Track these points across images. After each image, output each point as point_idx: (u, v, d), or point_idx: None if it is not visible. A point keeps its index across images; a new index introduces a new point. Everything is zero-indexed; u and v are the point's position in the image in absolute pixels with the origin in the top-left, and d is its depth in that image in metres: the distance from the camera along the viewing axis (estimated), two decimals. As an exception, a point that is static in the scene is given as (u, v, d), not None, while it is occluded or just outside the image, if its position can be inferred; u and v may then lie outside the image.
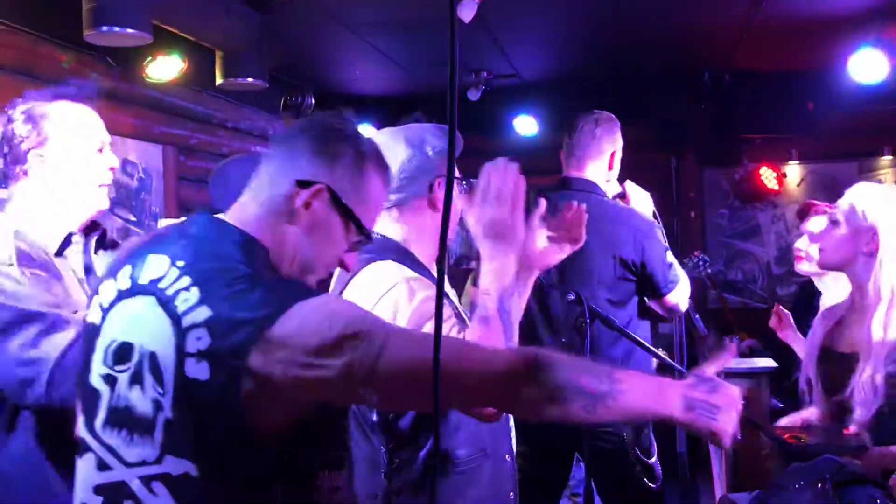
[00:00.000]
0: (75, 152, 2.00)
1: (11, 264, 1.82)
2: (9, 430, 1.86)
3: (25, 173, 1.97)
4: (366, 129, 5.56)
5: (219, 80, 3.91)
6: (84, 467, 1.33)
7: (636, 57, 5.06)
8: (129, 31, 2.91)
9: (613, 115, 3.09)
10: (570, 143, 3.05)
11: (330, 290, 1.93)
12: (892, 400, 2.16)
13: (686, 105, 5.69)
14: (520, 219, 1.69)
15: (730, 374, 3.71)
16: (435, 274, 1.90)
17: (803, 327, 3.05)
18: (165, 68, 3.84)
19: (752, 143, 5.98)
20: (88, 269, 2.04)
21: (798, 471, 1.83)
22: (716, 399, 1.36)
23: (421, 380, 1.09)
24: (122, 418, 1.28)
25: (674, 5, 4.11)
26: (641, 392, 1.33)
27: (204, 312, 1.21)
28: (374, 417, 1.81)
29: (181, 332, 1.22)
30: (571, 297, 2.24)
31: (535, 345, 2.85)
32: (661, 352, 2.59)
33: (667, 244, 2.96)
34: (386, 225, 1.89)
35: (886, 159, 6.00)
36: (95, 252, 2.09)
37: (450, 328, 1.69)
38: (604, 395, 1.26)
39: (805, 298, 3.73)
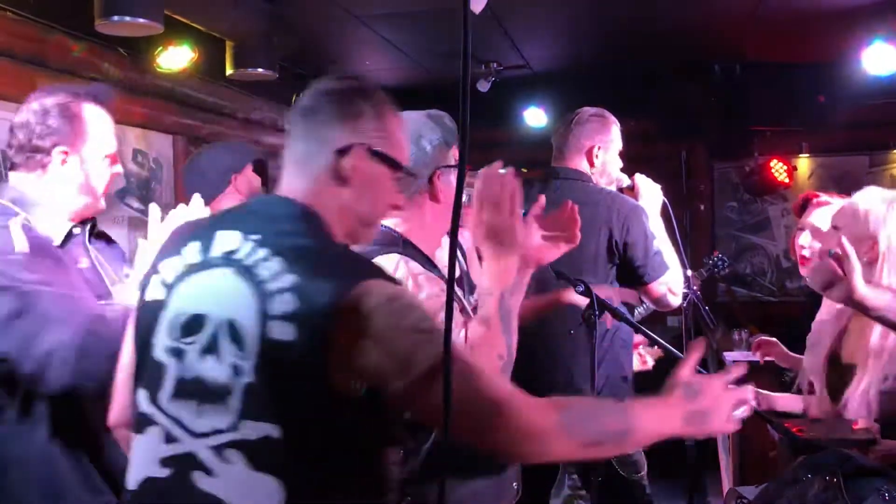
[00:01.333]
0: (96, 156, 2.02)
1: (16, 252, 1.82)
2: (24, 418, 1.87)
3: (44, 166, 1.97)
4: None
5: (229, 71, 3.92)
6: (147, 441, 1.35)
7: (647, 48, 5.04)
8: (141, 20, 2.92)
9: (605, 112, 3.09)
10: (555, 135, 3.11)
11: None
12: (885, 416, 2.13)
13: (696, 97, 5.68)
14: (518, 222, 1.73)
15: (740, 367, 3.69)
16: (438, 266, 1.92)
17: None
18: (176, 58, 3.85)
19: (763, 135, 5.95)
20: (86, 260, 2.06)
21: (806, 463, 1.83)
22: (703, 404, 1.46)
23: (469, 413, 1.24)
24: (192, 390, 1.31)
25: (685, -3, 4.10)
26: (651, 420, 1.46)
27: (289, 279, 1.27)
28: None
29: (265, 297, 1.27)
30: (580, 288, 2.24)
31: (543, 337, 2.87)
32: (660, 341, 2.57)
33: (657, 234, 2.94)
34: (388, 218, 1.91)
35: (898, 152, 5.98)
36: (89, 242, 2.10)
37: (459, 331, 1.71)
38: (626, 432, 1.41)
39: (814, 299, 3.70)
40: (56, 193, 1.98)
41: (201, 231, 1.42)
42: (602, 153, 3.03)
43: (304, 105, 1.49)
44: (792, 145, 6.01)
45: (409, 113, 1.97)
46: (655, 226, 2.96)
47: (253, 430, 1.26)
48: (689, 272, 3.10)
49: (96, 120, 2.02)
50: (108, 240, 2.25)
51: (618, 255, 2.84)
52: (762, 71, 5.39)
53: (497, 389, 1.33)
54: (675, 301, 2.92)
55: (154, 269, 1.43)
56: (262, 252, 1.32)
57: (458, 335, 1.69)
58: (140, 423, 1.37)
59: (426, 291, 1.75)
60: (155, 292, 1.40)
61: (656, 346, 3.28)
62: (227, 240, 1.37)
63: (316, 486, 1.29)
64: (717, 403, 1.47)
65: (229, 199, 2.73)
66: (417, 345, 1.26)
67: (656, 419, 1.46)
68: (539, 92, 5.70)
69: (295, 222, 1.39)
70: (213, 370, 1.30)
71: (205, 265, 1.36)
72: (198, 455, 1.29)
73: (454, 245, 0.95)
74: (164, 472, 1.32)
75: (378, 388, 1.27)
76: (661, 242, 2.90)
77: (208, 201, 2.72)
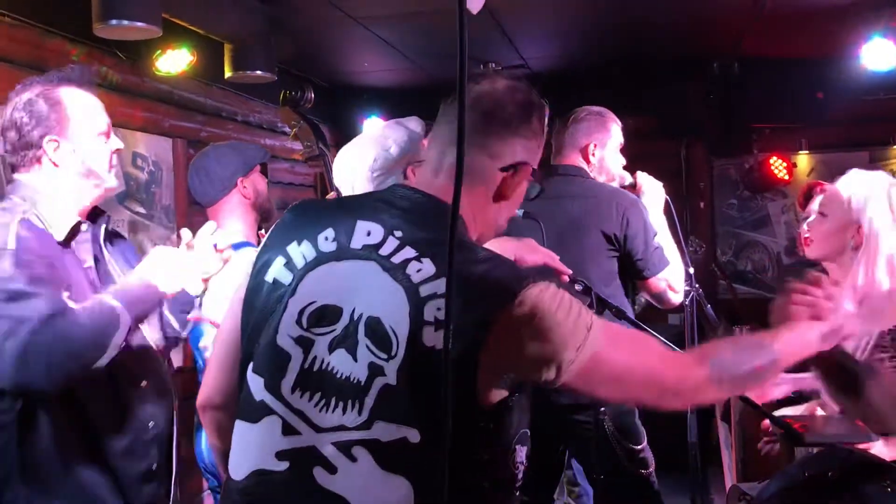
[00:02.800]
0: (87, 136, 1.99)
1: (5, 249, 1.78)
2: (28, 427, 1.86)
3: (38, 160, 1.96)
4: (373, 122, 5.58)
5: (228, 74, 3.92)
6: (262, 431, 1.29)
7: (645, 46, 5.04)
8: (139, 24, 2.92)
9: (601, 110, 3.10)
10: (553, 134, 3.12)
11: None
12: None
13: (695, 95, 5.68)
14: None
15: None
16: None
17: None
18: (175, 61, 3.85)
19: (762, 132, 5.95)
20: (97, 259, 2.05)
21: (809, 460, 1.83)
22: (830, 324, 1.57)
23: (627, 383, 1.33)
24: (317, 382, 1.26)
25: (683, -6, 4.10)
26: (794, 345, 1.53)
27: (443, 284, 1.23)
28: None
29: (419, 301, 1.24)
30: (579, 287, 2.24)
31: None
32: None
33: (658, 230, 2.94)
34: None
35: (898, 148, 5.97)
36: (106, 242, 2.09)
37: None
38: (772, 364, 1.47)
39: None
40: (60, 184, 1.96)
41: (336, 218, 1.36)
42: (598, 150, 3.03)
43: (474, 108, 1.40)
44: (791, 142, 6.01)
45: (377, 124, 2.10)
46: (658, 222, 2.96)
47: (387, 431, 1.22)
48: (691, 270, 3.10)
49: (77, 101, 2.00)
50: (118, 236, 2.25)
51: (617, 248, 2.84)
52: (761, 68, 5.39)
53: (651, 354, 1.39)
54: (676, 298, 2.91)
55: (277, 251, 1.36)
56: (409, 251, 1.28)
57: None
58: (252, 410, 1.30)
59: None
60: (279, 274, 1.33)
61: None
62: (367, 231, 1.31)
63: (448, 489, 1.26)
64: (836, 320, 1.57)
65: (234, 203, 2.71)
66: (575, 334, 1.26)
67: (798, 344, 1.54)
68: (538, 91, 5.69)
69: (439, 223, 1.32)
70: (346, 365, 1.25)
71: (342, 255, 1.31)
72: (321, 450, 1.24)
73: (452, 240, 0.95)
74: (280, 466, 1.26)
75: (539, 380, 1.28)
76: (663, 238, 2.91)
77: (212, 203, 2.72)
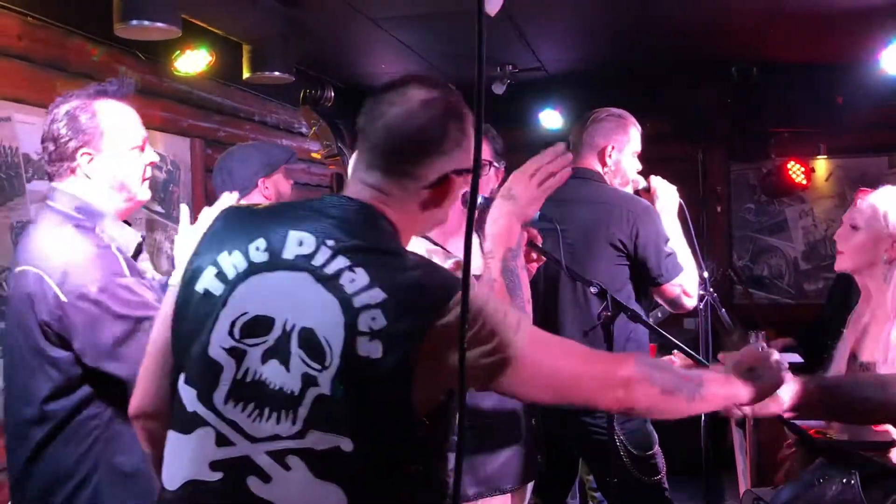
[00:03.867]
0: (121, 149, 2.04)
1: (125, 275, 1.91)
2: (50, 440, 1.93)
3: (73, 171, 2.01)
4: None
5: (246, 74, 3.94)
6: (196, 443, 1.29)
7: (663, 50, 5.03)
8: (159, 24, 2.94)
9: (622, 112, 3.08)
10: (571, 134, 3.13)
11: None
12: None
13: (713, 98, 5.65)
14: (538, 194, 1.87)
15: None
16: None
17: (841, 323, 2.98)
18: (193, 62, 3.88)
19: (780, 137, 5.92)
20: (150, 271, 2.12)
21: (824, 465, 1.82)
22: (765, 385, 1.65)
23: (557, 381, 1.37)
24: (250, 393, 1.27)
25: (701, -2, 4.08)
26: (720, 384, 1.60)
27: (377, 294, 1.25)
28: None
29: (353, 312, 1.24)
30: (595, 289, 2.24)
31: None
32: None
33: (672, 235, 2.93)
34: None
35: (917, 154, 5.92)
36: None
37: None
38: (699, 385, 1.51)
39: (841, 293, 3.65)
40: (98, 195, 2.02)
41: (268, 227, 1.35)
42: (615, 153, 3.02)
43: (393, 134, 1.39)
44: (810, 147, 5.97)
45: None
46: (672, 228, 2.95)
47: (321, 440, 1.23)
48: (706, 274, 3.08)
49: (112, 114, 2.04)
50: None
51: (627, 255, 2.83)
52: (779, 72, 5.35)
53: (576, 352, 1.44)
54: (690, 303, 2.90)
55: (207, 260, 1.36)
56: (342, 260, 1.28)
57: None
58: (185, 421, 1.31)
59: (445, 264, 1.86)
60: (210, 285, 1.33)
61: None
62: (299, 241, 1.31)
63: (381, 495, 1.26)
64: (776, 385, 1.66)
65: (253, 202, 2.73)
66: (506, 336, 1.29)
67: (725, 384, 1.60)
68: (554, 94, 5.69)
69: (371, 230, 1.35)
70: (279, 376, 1.25)
71: (273, 265, 1.31)
72: (255, 459, 1.25)
73: (469, 244, 0.96)
74: (214, 476, 1.27)
75: (484, 382, 1.31)
76: (676, 244, 2.89)
77: None
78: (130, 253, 2.01)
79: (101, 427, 1.93)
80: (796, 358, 3.90)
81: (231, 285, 1.32)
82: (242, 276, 1.31)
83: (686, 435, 3.25)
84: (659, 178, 3.13)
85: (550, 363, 1.36)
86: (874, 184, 2.44)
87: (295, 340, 1.26)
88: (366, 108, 1.43)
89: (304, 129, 5.29)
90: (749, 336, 4.52)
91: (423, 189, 1.41)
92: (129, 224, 2.13)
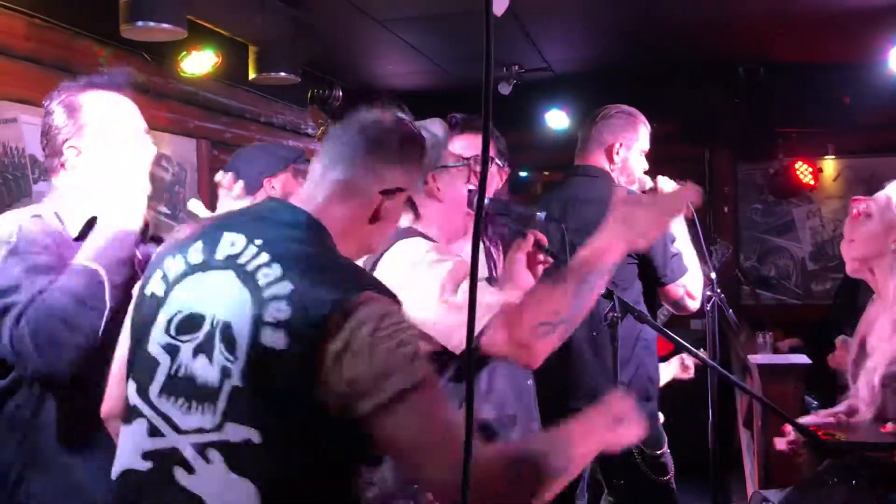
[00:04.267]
0: (109, 141, 1.97)
1: (5, 241, 1.82)
2: (37, 413, 1.86)
3: (63, 165, 1.97)
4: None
5: (252, 75, 3.95)
6: (133, 433, 1.36)
7: (669, 50, 5.02)
8: (165, 25, 2.95)
9: (632, 110, 3.07)
10: (580, 130, 3.08)
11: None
12: (888, 401, 2.11)
13: (720, 98, 5.64)
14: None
15: (765, 371, 3.68)
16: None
17: (848, 324, 2.98)
18: (199, 63, 3.88)
19: (788, 137, 5.90)
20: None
21: (833, 467, 1.81)
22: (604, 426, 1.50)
23: (426, 436, 1.26)
24: (182, 387, 1.32)
25: (708, -2, 4.07)
26: (586, 446, 1.45)
27: (286, 286, 1.29)
28: None
29: (261, 303, 1.28)
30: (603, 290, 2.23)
31: (567, 340, 2.87)
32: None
33: (677, 236, 2.92)
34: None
35: (926, 154, 5.90)
36: (150, 243, 2.09)
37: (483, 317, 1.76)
38: (565, 468, 1.37)
39: (849, 293, 3.65)
40: (82, 188, 1.96)
41: (207, 232, 1.43)
42: (623, 151, 3.01)
43: (365, 132, 1.50)
44: (817, 147, 5.95)
45: None
46: (678, 228, 2.94)
47: (234, 432, 1.27)
48: (713, 275, 3.07)
49: (101, 104, 2.00)
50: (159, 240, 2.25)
51: (634, 254, 2.82)
52: (787, 72, 5.34)
53: (452, 429, 1.26)
54: (693, 304, 2.90)
55: (157, 266, 1.44)
56: (264, 257, 1.33)
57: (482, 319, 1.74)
58: (128, 413, 1.38)
59: (450, 260, 1.85)
60: (155, 287, 1.41)
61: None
62: (230, 242, 1.38)
63: (290, 495, 1.28)
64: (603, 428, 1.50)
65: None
66: (394, 367, 1.25)
67: (588, 445, 1.45)
68: (561, 94, 5.68)
69: (301, 231, 1.40)
70: (204, 370, 1.30)
71: (207, 266, 1.37)
72: (181, 451, 1.30)
73: (476, 246, 0.95)
74: (144, 466, 1.33)
75: (349, 404, 1.25)
76: (681, 244, 2.89)
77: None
78: (75, 233, 1.92)
79: (30, 417, 1.85)
80: (804, 359, 3.88)
81: (170, 286, 1.39)
82: (180, 277, 1.39)
83: (694, 436, 3.24)
84: (665, 177, 3.12)
85: (429, 411, 1.27)
86: (882, 184, 2.42)
87: (218, 335, 1.31)
88: (335, 127, 1.54)
89: (310, 130, 5.29)
90: (756, 336, 4.52)
91: (378, 193, 1.48)
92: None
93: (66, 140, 1.95)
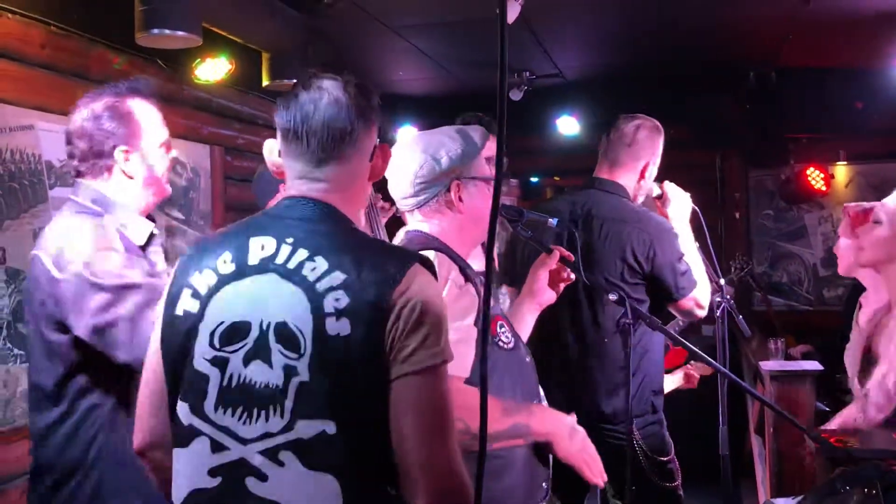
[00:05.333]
0: (153, 149, 2.08)
1: (114, 249, 1.94)
2: (55, 402, 1.95)
3: (109, 169, 2.04)
4: (407, 130, 5.62)
5: (265, 82, 3.97)
6: (193, 453, 1.34)
7: (680, 56, 5.01)
8: (180, 33, 2.97)
9: (658, 123, 3.04)
10: (606, 143, 3.04)
11: None
12: None
13: (731, 104, 5.63)
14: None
15: (777, 377, 3.66)
16: (471, 265, 1.99)
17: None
18: (213, 70, 3.91)
19: (799, 142, 5.89)
20: (162, 263, 2.14)
21: (845, 475, 1.81)
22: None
23: (438, 413, 1.31)
24: (238, 397, 1.32)
25: (719, 3, 4.06)
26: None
27: (338, 276, 1.31)
28: None
29: (317, 296, 1.30)
30: (614, 296, 2.23)
31: (578, 346, 2.87)
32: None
33: (685, 246, 2.92)
34: (416, 225, 2.00)
35: (938, 160, 5.87)
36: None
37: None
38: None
39: (856, 301, 3.65)
40: (128, 192, 2.06)
41: (231, 240, 1.42)
42: (653, 168, 3.01)
43: (337, 106, 1.51)
44: (829, 153, 5.93)
45: (441, 128, 2.03)
46: (684, 233, 2.94)
47: (308, 428, 1.27)
48: (723, 281, 3.07)
49: (145, 113, 2.09)
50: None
51: (643, 274, 2.83)
52: (798, 77, 5.33)
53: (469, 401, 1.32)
54: (702, 313, 2.91)
55: (182, 284, 1.42)
56: (302, 253, 1.35)
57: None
58: (183, 436, 1.36)
59: (456, 294, 1.82)
60: (188, 305, 1.39)
61: (699, 363, 3.26)
62: (261, 246, 1.38)
63: (373, 481, 1.29)
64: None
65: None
66: (432, 342, 1.31)
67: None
68: (571, 100, 5.69)
69: (325, 221, 1.42)
70: (262, 374, 1.30)
71: (241, 274, 1.37)
72: (250, 461, 1.29)
73: (490, 252, 0.96)
74: (213, 482, 1.32)
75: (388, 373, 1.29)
76: (689, 256, 2.88)
77: (265, 205, 2.80)
78: (141, 242, 2.04)
79: (104, 417, 1.95)
80: (816, 365, 3.87)
81: (205, 300, 1.38)
82: (214, 290, 1.38)
83: (705, 443, 3.24)
84: (671, 183, 3.11)
85: (449, 390, 1.34)
86: (893, 189, 2.43)
87: (272, 337, 1.31)
88: (287, 116, 1.51)
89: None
90: (768, 342, 4.50)
91: (367, 162, 1.51)
92: (154, 221, 2.16)
93: (119, 144, 2.02)
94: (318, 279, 1.31)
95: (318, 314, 1.29)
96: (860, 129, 5.50)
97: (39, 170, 3.14)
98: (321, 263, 1.33)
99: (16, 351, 2.99)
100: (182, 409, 1.37)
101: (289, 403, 1.28)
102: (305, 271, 1.33)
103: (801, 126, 5.74)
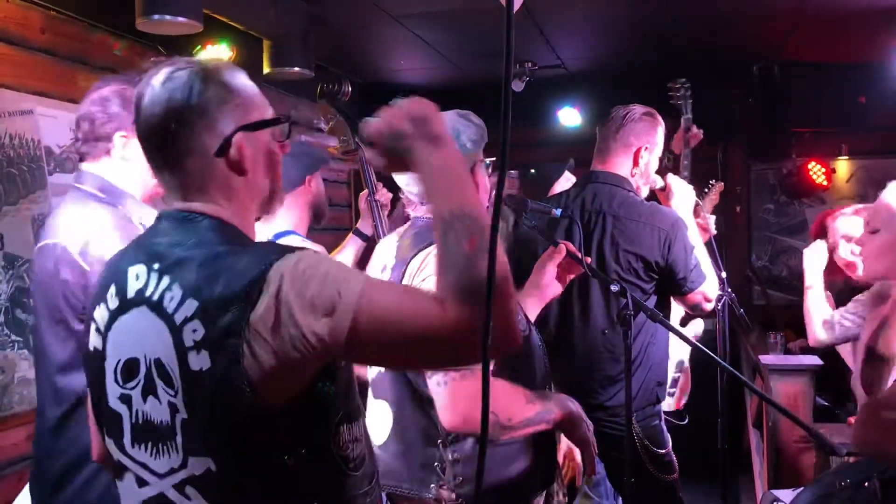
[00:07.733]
0: None
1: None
2: (66, 419, 1.95)
3: (108, 152, 2.07)
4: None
5: (266, 70, 3.96)
6: (126, 488, 1.36)
7: (683, 48, 5.00)
8: (181, 19, 2.96)
9: (652, 111, 3.03)
10: (598, 135, 3.05)
11: (385, 274, 1.99)
12: None
13: (734, 98, 5.61)
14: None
15: (776, 371, 3.67)
16: None
17: None
18: (214, 57, 3.89)
19: (802, 136, 5.87)
20: None
21: (844, 469, 1.81)
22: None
23: (395, 332, 1.17)
24: (145, 433, 1.30)
25: (723, -4, 4.05)
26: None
27: (191, 305, 1.22)
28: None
29: (176, 330, 1.22)
30: (615, 287, 2.23)
31: (579, 337, 2.87)
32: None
33: (704, 238, 2.92)
34: (426, 212, 2.00)
35: (941, 155, 5.85)
36: None
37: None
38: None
39: (849, 293, 3.65)
40: (127, 178, 2.07)
41: (115, 271, 1.36)
42: (647, 154, 2.99)
43: (153, 104, 1.33)
44: (831, 147, 5.92)
45: (445, 113, 2.00)
46: (693, 234, 2.93)
47: (197, 464, 1.25)
48: (724, 274, 3.07)
49: None
50: None
51: (656, 271, 2.82)
52: (801, 71, 5.31)
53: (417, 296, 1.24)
54: (709, 307, 2.91)
55: (91, 317, 1.38)
56: (165, 281, 1.26)
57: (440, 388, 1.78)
58: (116, 470, 1.38)
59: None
60: (95, 341, 1.36)
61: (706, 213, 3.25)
62: (136, 276, 1.31)
63: (270, 499, 1.25)
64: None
65: (298, 198, 2.78)
66: (339, 281, 1.19)
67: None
68: (573, 92, 5.67)
69: (187, 236, 1.30)
70: (156, 411, 1.27)
71: (124, 308, 1.31)
72: (167, 495, 1.29)
73: (494, 242, 0.96)
74: None
75: (321, 352, 1.19)
76: (698, 251, 2.88)
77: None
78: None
79: None
80: (815, 360, 3.87)
81: (105, 336, 1.34)
82: (109, 325, 1.33)
83: (703, 436, 3.24)
84: (675, 177, 3.11)
85: (391, 303, 1.19)
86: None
87: (155, 373, 1.26)
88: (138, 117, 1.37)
89: (322, 125, 5.30)
90: (767, 336, 4.50)
91: (215, 160, 1.32)
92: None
93: (119, 128, 2.05)
94: (176, 310, 1.23)
95: (181, 349, 1.22)
96: (862, 124, 5.48)
97: (38, 155, 3.12)
98: (177, 292, 1.23)
99: (13, 337, 2.98)
100: (110, 444, 1.37)
101: (179, 440, 1.25)
102: (166, 302, 1.24)
103: (803, 120, 5.73)
